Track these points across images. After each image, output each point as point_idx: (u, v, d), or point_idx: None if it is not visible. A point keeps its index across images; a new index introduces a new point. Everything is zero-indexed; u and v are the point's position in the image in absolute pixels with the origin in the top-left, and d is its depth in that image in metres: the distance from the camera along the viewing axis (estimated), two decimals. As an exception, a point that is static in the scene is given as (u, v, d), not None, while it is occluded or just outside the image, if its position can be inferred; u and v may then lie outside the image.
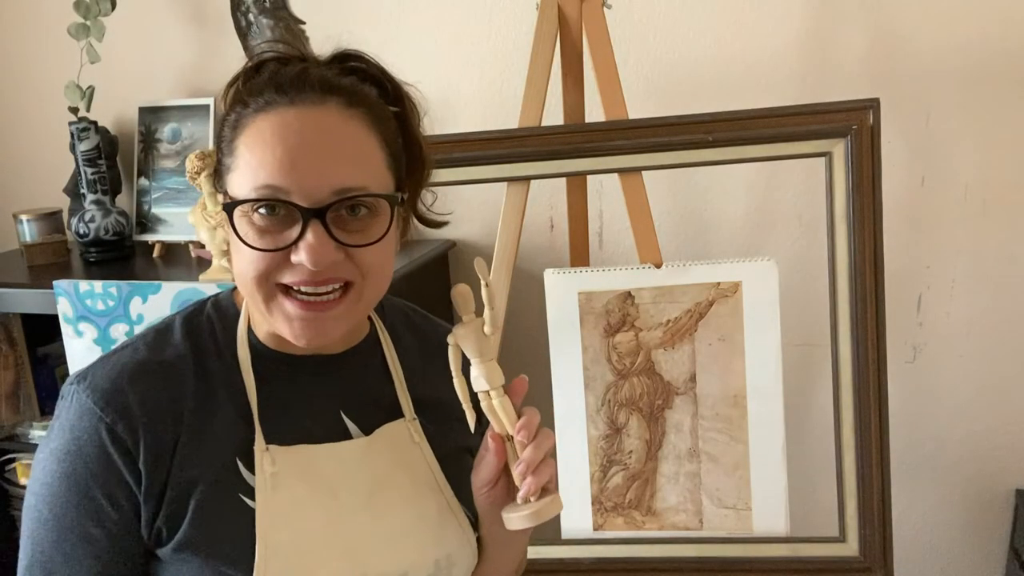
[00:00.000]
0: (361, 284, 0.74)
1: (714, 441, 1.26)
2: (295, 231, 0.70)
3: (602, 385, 1.28)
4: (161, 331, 0.80)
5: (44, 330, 1.71)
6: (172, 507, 0.74)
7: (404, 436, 0.85)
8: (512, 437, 0.77)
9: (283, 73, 0.73)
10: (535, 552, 1.29)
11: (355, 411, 0.83)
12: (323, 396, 0.82)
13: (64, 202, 1.89)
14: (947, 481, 1.67)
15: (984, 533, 1.68)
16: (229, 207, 0.72)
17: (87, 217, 1.71)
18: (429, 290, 1.71)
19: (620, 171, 1.26)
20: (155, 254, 1.76)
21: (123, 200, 1.89)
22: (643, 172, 1.26)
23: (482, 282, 0.75)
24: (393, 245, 0.78)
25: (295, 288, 0.72)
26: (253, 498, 0.76)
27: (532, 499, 0.76)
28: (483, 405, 0.77)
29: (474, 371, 0.77)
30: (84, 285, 1.42)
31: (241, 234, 0.71)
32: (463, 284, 0.75)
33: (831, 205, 1.22)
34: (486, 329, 0.76)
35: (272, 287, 0.73)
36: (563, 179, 1.45)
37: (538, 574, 1.28)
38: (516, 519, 0.76)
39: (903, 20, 1.48)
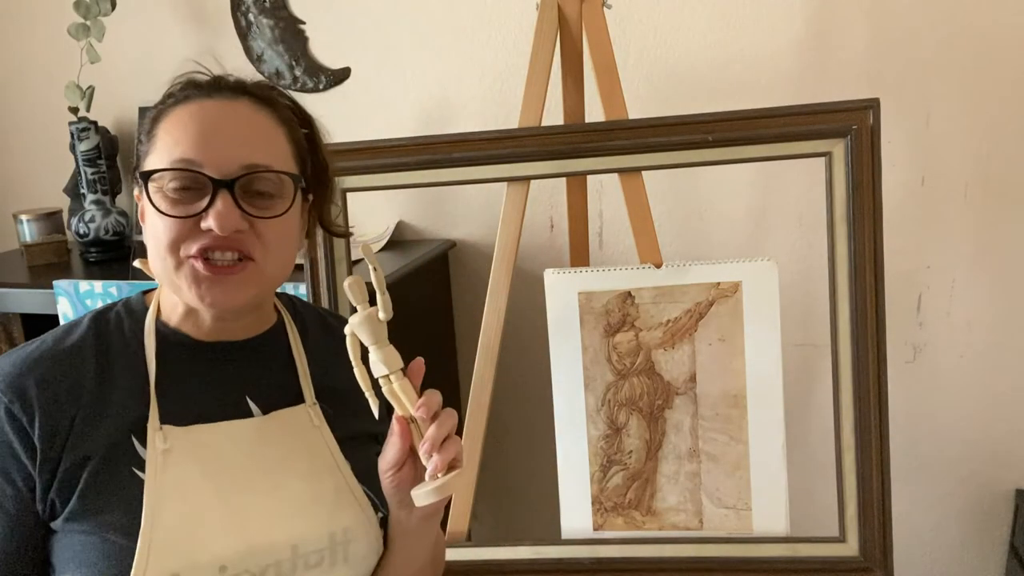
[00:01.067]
0: (263, 259, 0.81)
1: (714, 441, 1.26)
2: (205, 201, 0.78)
3: (602, 385, 1.28)
4: (70, 325, 0.87)
5: (44, 330, 1.70)
6: (65, 479, 0.78)
7: (303, 419, 0.89)
8: (414, 419, 0.79)
9: (201, 78, 0.84)
10: (535, 552, 1.29)
11: (259, 395, 0.88)
12: (227, 381, 0.87)
13: (64, 202, 1.89)
14: (947, 481, 1.67)
15: (984, 533, 1.68)
16: (146, 175, 0.79)
17: (87, 217, 1.71)
18: (429, 290, 1.71)
19: (620, 171, 1.26)
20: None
21: (123, 200, 1.89)
22: (643, 172, 1.26)
23: (370, 267, 0.79)
24: (295, 228, 0.85)
25: (202, 255, 0.78)
26: (144, 471, 0.80)
27: (440, 476, 0.78)
28: (384, 390, 0.80)
29: (373, 357, 0.79)
30: (84, 285, 1.42)
31: (156, 204, 0.78)
32: (355, 275, 0.79)
33: (831, 205, 1.22)
34: (380, 315, 0.79)
35: (181, 257, 0.79)
36: (563, 179, 1.45)
37: (538, 574, 1.28)
38: (423, 495, 0.79)
39: (903, 20, 1.48)
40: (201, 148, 0.78)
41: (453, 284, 1.80)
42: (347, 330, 0.80)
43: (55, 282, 1.44)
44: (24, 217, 1.75)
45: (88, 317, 0.87)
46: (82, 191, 1.73)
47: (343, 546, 0.85)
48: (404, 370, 0.80)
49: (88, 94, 1.71)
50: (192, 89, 0.82)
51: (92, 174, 1.71)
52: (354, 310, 0.79)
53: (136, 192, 0.85)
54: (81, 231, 1.71)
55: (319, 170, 0.89)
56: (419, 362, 0.82)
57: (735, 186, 1.61)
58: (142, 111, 1.80)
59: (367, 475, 0.89)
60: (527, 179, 1.28)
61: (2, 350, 1.72)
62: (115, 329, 0.86)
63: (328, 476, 0.87)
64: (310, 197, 0.89)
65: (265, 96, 0.84)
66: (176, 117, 0.80)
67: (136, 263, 0.89)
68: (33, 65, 1.92)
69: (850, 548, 1.25)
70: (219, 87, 0.83)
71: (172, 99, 0.82)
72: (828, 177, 1.21)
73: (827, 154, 1.21)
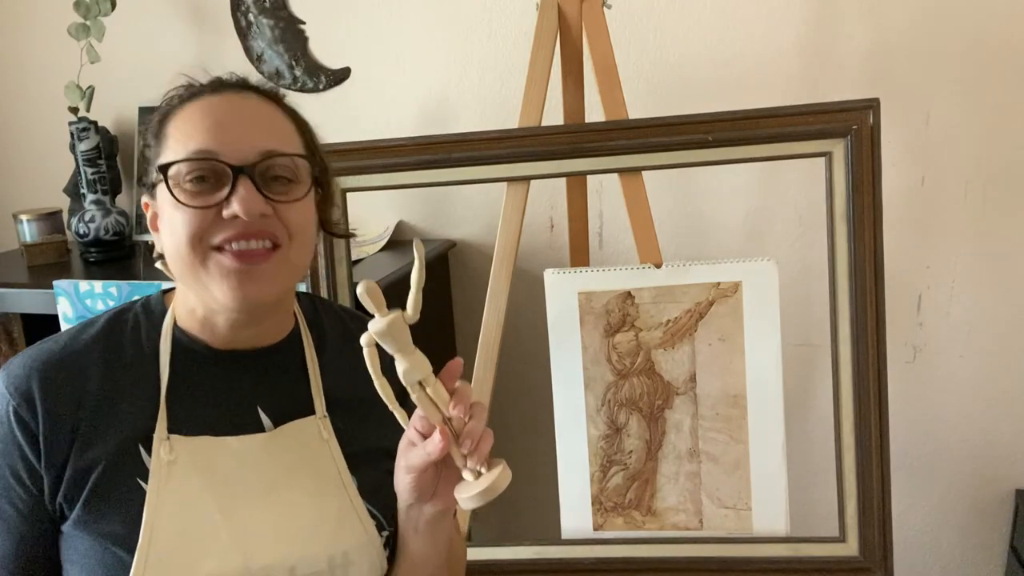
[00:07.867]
0: (288, 245, 0.80)
1: (714, 441, 1.26)
2: (225, 190, 0.77)
3: (602, 385, 1.28)
4: (86, 324, 0.86)
5: (44, 330, 1.70)
6: (71, 485, 0.78)
7: (313, 432, 0.86)
8: (449, 419, 0.74)
9: (202, 80, 0.84)
10: (535, 552, 1.29)
11: (271, 406, 0.86)
12: (240, 390, 0.85)
13: (64, 202, 1.89)
14: (947, 481, 1.67)
15: (984, 533, 1.68)
16: (163, 168, 0.77)
17: (87, 217, 1.71)
18: (429, 290, 1.70)
19: (620, 171, 1.26)
20: (155, 254, 1.75)
21: (123, 200, 1.89)
22: (643, 172, 1.26)
23: (416, 261, 0.71)
24: (313, 215, 0.85)
25: (227, 247, 0.77)
26: (147, 482, 0.79)
27: (482, 470, 0.74)
28: (415, 397, 0.73)
29: (402, 366, 0.72)
30: (84, 285, 1.42)
31: (175, 196, 0.77)
32: (369, 280, 0.71)
33: (831, 205, 1.22)
34: (408, 313, 0.71)
35: (206, 249, 0.78)
36: (563, 179, 1.45)
37: (538, 574, 1.29)
38: (471, 499, 0.74)
39: (903, 20, 1.48)
40: (216, 137, 0.77)
41: (453, 284, 1.80)
42: (365, 340, 0.73)
43: (55, 282, 1.44)
44: (24, 217, 1.74)
45: (105, 317, 0.86)
46: (82, 191, 1.73)
47: (342, 568, 0.83)
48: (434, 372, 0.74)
49: (88, 94, 1.71)
50: (198, 88, 0.82)
51: (92, 174, 1.71)
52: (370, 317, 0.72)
53: (144, 200, 0.84)
54: (81, 231, 1.71)
55: (321, 171, 0.88)
56: (458, 363, 0.76)
57: (735, 186, 1.61)
58: (142, 111, 1.80)
59: (374, 492, 0.86)
60: (527, 179, 1.28)
61: (2, 350, 1.73)
62: (131, 332, 0.85)
63: (333, 494, 0.85)
64: (320, 192, 0.87)
65: (269, 92, 0.85)
66: (186, 114, 0.80)
67: (157, 264, 0.87)
68: (33, 65, 1.92)
69: (850, 548, 1.25)
70: (224, 84, 0.83)
71: (177, 99, 0.82)
72: (828, 177, 1.21)
73: (827, 154, 1.21)
